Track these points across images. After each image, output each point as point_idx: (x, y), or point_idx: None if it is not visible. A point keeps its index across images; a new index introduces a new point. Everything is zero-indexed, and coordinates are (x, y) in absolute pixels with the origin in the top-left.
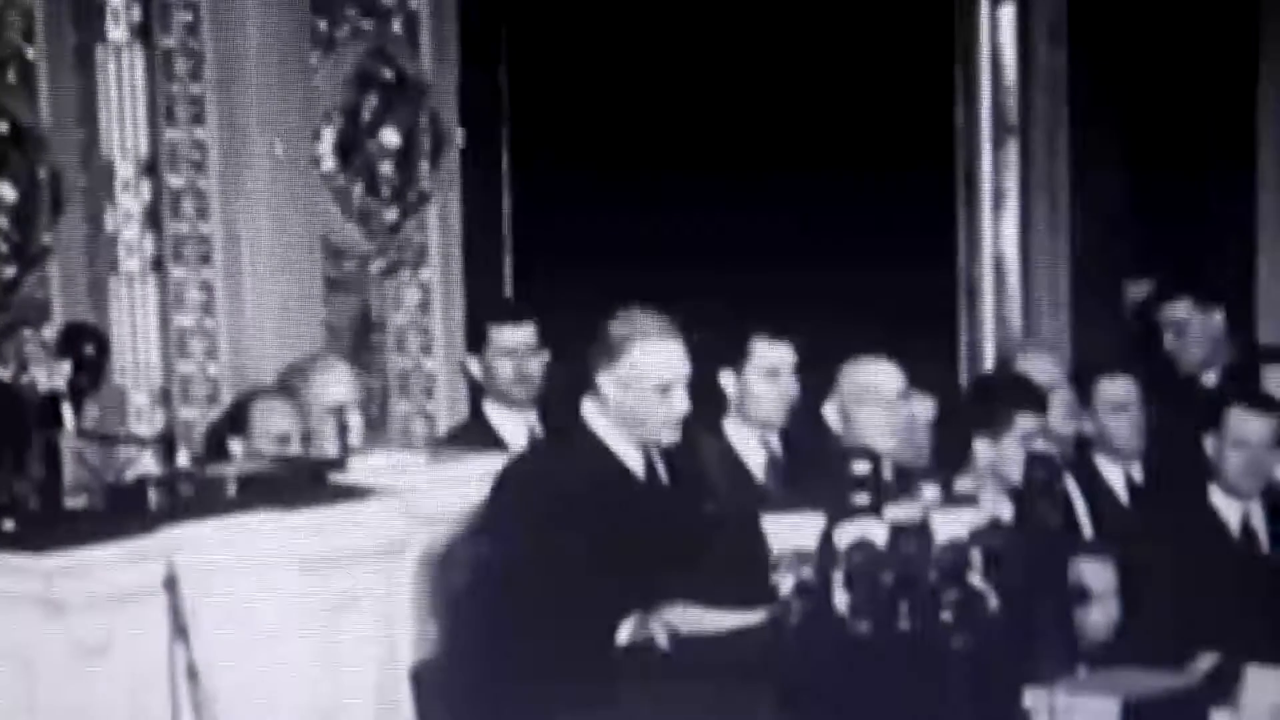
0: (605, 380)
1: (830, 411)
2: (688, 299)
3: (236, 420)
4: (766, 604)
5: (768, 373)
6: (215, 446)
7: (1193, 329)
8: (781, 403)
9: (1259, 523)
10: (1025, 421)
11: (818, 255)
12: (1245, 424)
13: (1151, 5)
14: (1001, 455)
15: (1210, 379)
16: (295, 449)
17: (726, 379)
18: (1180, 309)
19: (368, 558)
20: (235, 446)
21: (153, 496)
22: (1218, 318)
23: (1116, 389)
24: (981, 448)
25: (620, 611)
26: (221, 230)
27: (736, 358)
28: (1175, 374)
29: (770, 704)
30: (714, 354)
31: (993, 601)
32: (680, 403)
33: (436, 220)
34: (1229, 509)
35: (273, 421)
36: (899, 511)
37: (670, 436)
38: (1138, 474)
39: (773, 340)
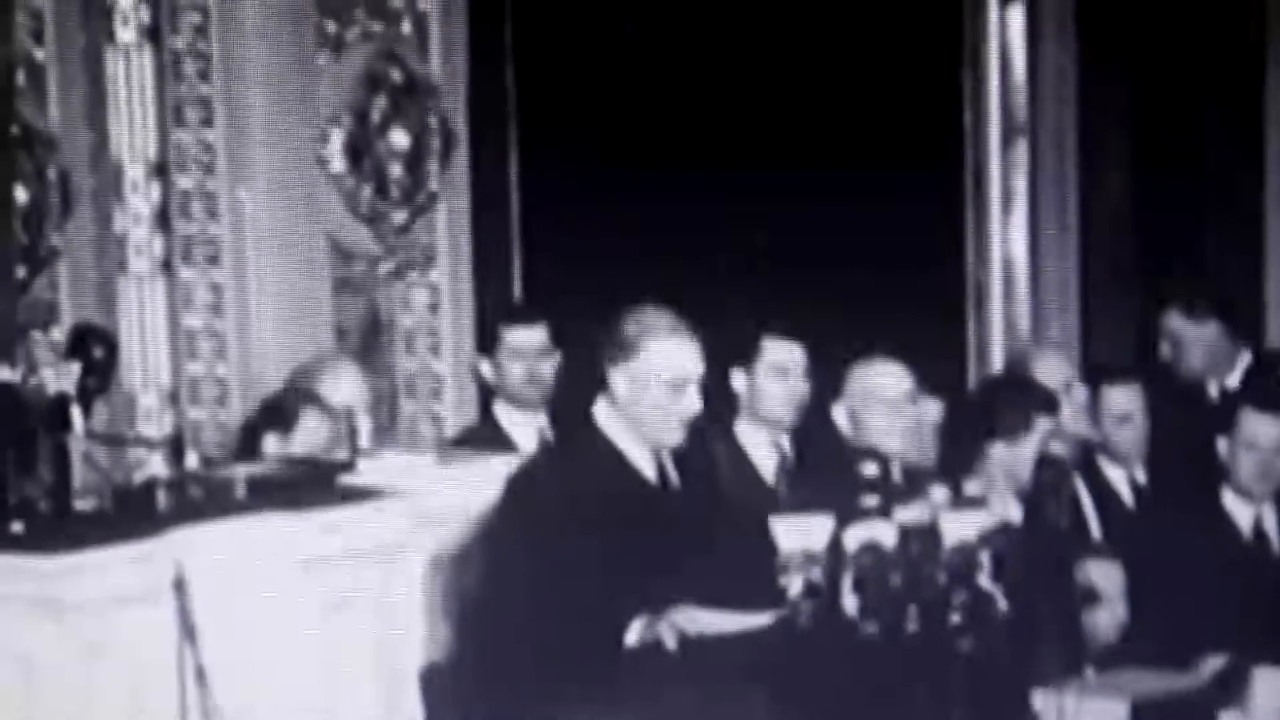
0: (617, 377)
1: (839, 413)
2: (698, 298)
3: (276, 418)
4: (775, 606)
5: (777, 371)
6: (249, 442)
7: (1187, 340)
8: (791, 402)
9: (1271, 525)
10: (1043, 424)
11: (826, 256)
12: (1257, 426)
13: (1159, 5)
14: (1019, 458)
15: (1213, 387)
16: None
17: (738, 379)
18: (1174, 320)
19: (375, 559)
20: (270, 443)
21: (161, 498)
22: (1212, 328)
23: (1120, 398)
24: (999, 450)
25: (629, 614)
26: (230, 231)
27: (747, 357)
28: (1178, 379)
29: (778, 706)
30: (725, 354)
31: (1001, 603)
32: (691, 402)
33: (445, 222)
34: (1241, 511)
35: (318, 434)
36: (908, 513)
37: (678, 437)
38: (1141, 476)
39: (782, 339)
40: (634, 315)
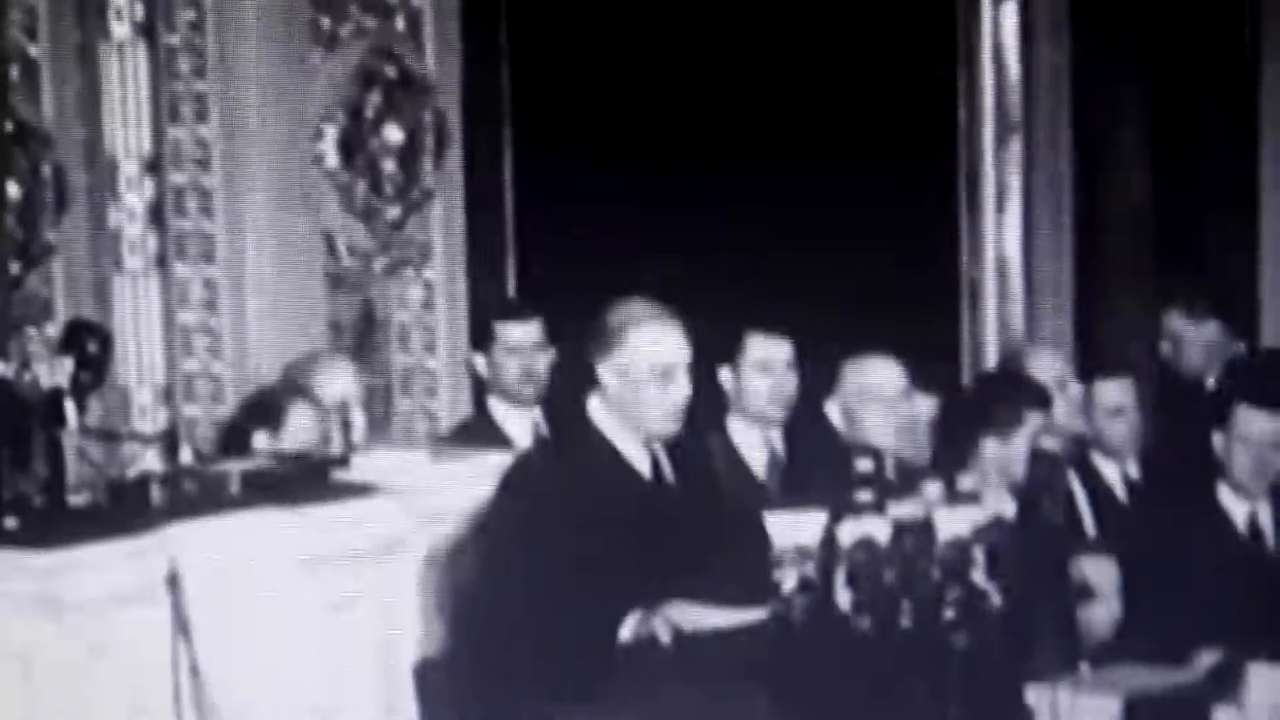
0: (605, 371)
1: (833, 409)
2: (692, 296)
3: (263, 415)
4: (769, 602)
5: (760, 366)
6: (236, 440)
7: (1188, 339)
8: (776, 397)
9: (1266, 521)
10: (1035, 419)
11: (821, 253)
12: (1252, 422)
13: (1154, 3)
14: (1010, 454)
15: (1210, 384)
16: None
17: (725, 376)
18: (1174, 319)
19: (370, 556)
20: (260, 441)
21: (156, 494)
22: (1211, 327)
23: (1113, 392)
24: (991, 446)
25: (623, 609)
26: (225, 228)
27: (732, 354)
28: (1178, 377)
29: (772, 702)
30: (714, 351)
31: (995, 599)
32: (681, 389)
33: (440, 218)
34: (1236, 507)
35: (306, 427)
36: (902, 509)
37: (672, 426)
38: (1134, 471)
39: (765, 335)
40: (617, 308)
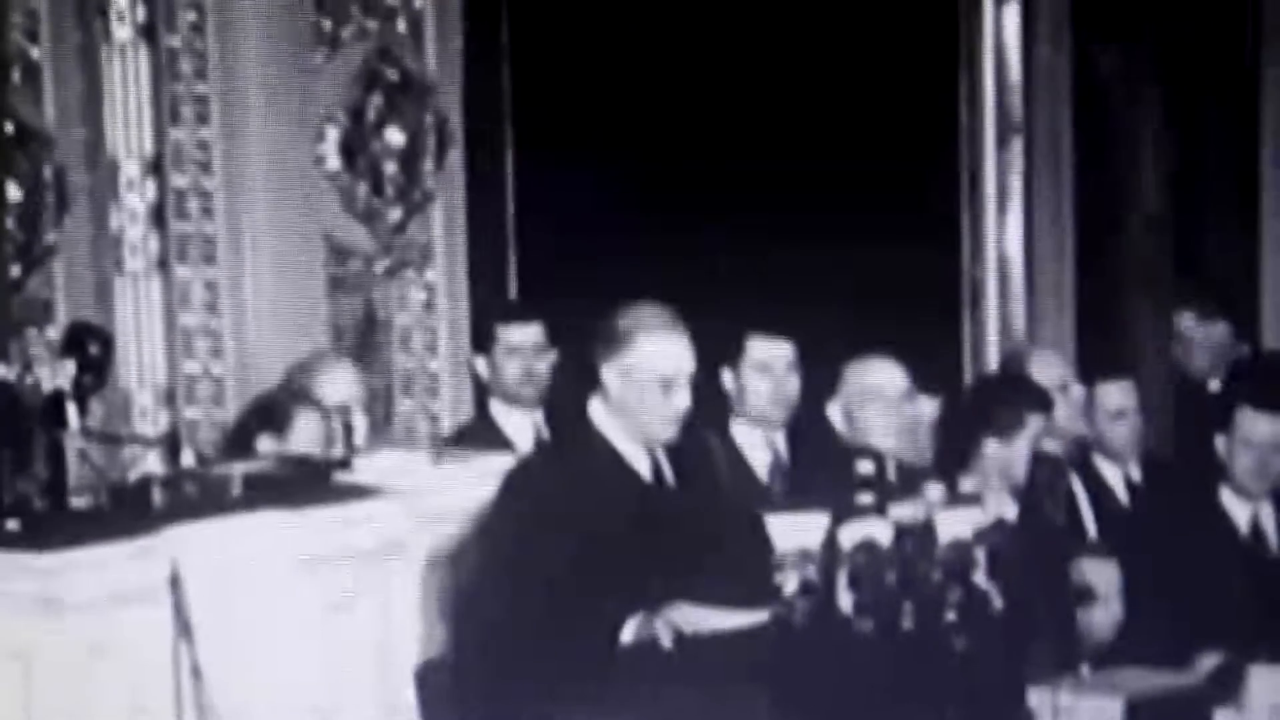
0: (608, 373)
1: (834, 411)
2: (693, 297)
3: (270, 420)
4: (770, 604)
5: (760, 368)
6: (244, 442)
7: (1197, 340)
8: (778, 399)
9: (1268, 523)
10: (1036, 422)
11: (822, 254)
12: (1254, 425)
13: (1154, 5)
14: (1012, 456)
15: (1214, 385)
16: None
17: (726, 377)
18: (1185, 321)
19: (372, 558)
20: (265, 444)
21: (157, 496)
22: (1221, 328)
23: (1115, 394)
24: (992, 448)
25: (625, 612)
26: (226, 230)
27: (733, 356)
28: (1184, 379)
29: (773, 704)
30: (716, 353)
31: (996, 601)
32: (682, 399)
33: (441, 220)
34: (1238, 509)
35: (312, 429)
36: (903, 511)
37: (669, 434)
38: (1135, 474)
39: (765, 336)
40: (626, 311)
